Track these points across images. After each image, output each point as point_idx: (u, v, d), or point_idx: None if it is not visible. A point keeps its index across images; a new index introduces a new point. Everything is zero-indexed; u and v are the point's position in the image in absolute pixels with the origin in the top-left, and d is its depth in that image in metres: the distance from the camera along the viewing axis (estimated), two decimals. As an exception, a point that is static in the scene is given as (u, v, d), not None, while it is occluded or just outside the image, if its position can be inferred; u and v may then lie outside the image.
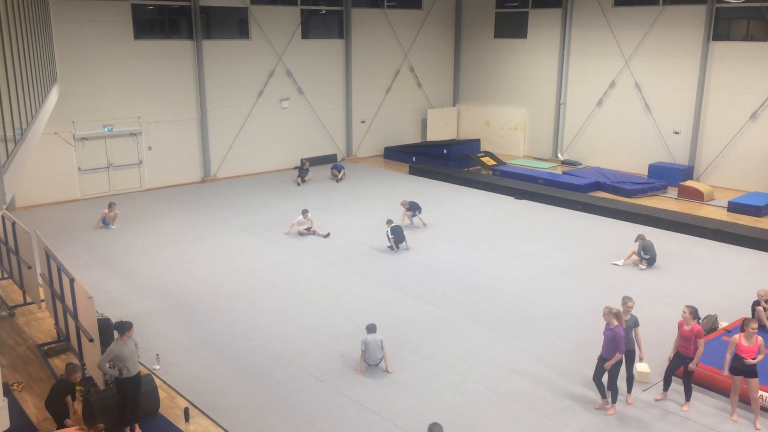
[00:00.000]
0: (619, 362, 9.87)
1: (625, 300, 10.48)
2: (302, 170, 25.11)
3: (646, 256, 16.08)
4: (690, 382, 10.26)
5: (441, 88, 32.59)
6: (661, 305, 14.02)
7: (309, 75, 27.61)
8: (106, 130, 22.82)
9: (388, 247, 17.27)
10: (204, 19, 24.59)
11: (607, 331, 9.82)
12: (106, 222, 19.25)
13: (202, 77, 24.57)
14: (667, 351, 11.52)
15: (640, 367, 10.99)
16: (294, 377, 11.14)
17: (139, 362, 9.67)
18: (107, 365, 9.18)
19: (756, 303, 12.62)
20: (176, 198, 22.74)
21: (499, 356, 11.85)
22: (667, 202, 22.48)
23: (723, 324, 12.70)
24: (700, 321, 12.96)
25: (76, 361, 10.98)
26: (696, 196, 22.57)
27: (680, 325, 10.14)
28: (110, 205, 19.47)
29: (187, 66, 24.36)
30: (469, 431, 9.68)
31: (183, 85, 24.36)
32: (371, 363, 11.30)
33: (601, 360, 10.00)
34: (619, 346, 9.69)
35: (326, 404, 10.36)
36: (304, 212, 18.57)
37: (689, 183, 23.16)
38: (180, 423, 9.94)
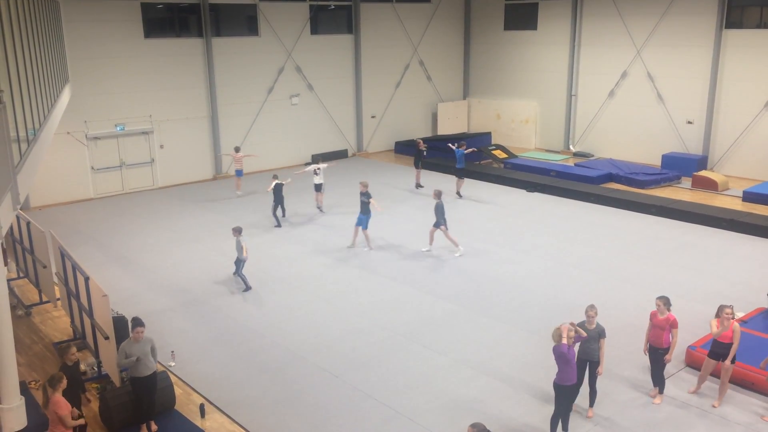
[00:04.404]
0: (562, 389, 9.04)
1: (587, 309, 9.57)
2: (419, 152, 23.49)
3: (441, 221, 16.27)
4: (662, 373, 10.12)
5: (451, 81, 32.47)
6: (676, 297, 13.81)
7: (318, 71, 27.61)
8: (118, 129, 22.94)
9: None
10: (213, 17, 24.62)
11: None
12: (240, 173, 22.05)
13: (213, 75, 24.63)
14: (681, 344, 11.45)
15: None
16: (308, 373, 11.18)
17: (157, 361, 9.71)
18: (124, 359, 9.26)
19: (772, 293, 12.53)
20: (188, 196, 22.84)
21: (513, 350, 11.82)
22: (681, 192, 22.30)
23: (739, 315, 12.58)
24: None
25: (86, 352, 11.05)
26: (710, 186, 22.38)
27: (653, 315, 9.97)
28: (237, 149, 22.11)
29: (197, 64, 24.42)
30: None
31: (193, 83, 24.43)
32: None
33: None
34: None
35: (340, 399, 10.38)
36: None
37: (703, 173, 22.96)
38: (196, 419, 10.01)
